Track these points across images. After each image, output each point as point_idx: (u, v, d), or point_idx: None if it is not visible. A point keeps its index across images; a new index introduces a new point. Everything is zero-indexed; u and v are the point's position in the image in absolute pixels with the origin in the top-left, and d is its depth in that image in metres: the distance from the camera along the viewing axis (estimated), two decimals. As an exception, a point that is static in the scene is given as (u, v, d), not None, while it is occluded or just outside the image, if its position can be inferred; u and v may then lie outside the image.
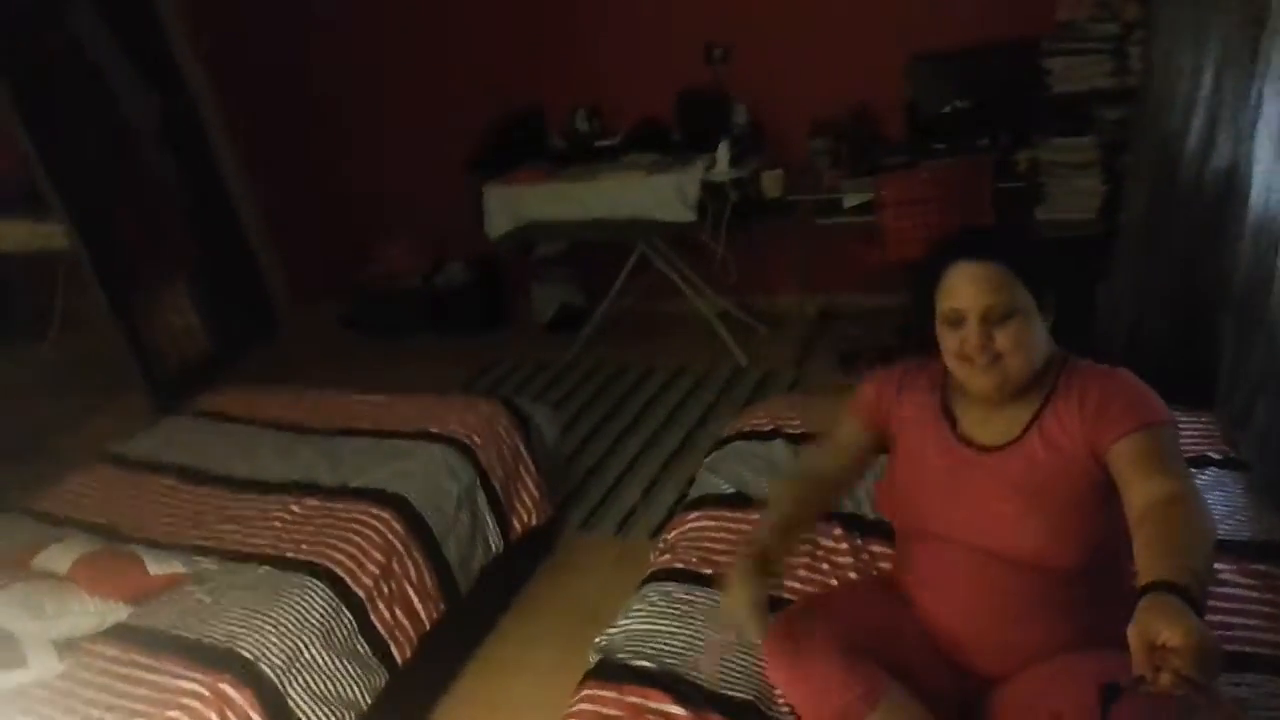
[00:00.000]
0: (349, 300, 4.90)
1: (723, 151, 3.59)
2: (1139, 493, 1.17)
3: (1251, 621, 1.46)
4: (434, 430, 2.55)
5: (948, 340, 1.35)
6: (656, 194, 3.65)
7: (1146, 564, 1.05)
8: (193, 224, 4.71)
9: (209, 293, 4.75)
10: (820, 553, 1.82)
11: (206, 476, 2.55)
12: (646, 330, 4.29)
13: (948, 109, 3.38)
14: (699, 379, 3.78)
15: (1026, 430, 1.35)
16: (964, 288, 1.31)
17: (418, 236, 4.76)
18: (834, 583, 1.75)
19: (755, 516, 1.93)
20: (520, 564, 2.69)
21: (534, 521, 2.63)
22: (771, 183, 3.67)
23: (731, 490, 2.04)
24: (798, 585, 1.75)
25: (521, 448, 2.65)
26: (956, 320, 1.32)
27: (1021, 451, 1.35)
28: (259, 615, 1.92)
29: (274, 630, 1.88)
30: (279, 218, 5.11)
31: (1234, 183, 1.97)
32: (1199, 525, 1.10)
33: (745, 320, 4.11)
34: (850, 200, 3.38)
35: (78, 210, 3.98)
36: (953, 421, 1.43)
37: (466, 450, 2.48)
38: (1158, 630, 0.91)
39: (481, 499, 2.46)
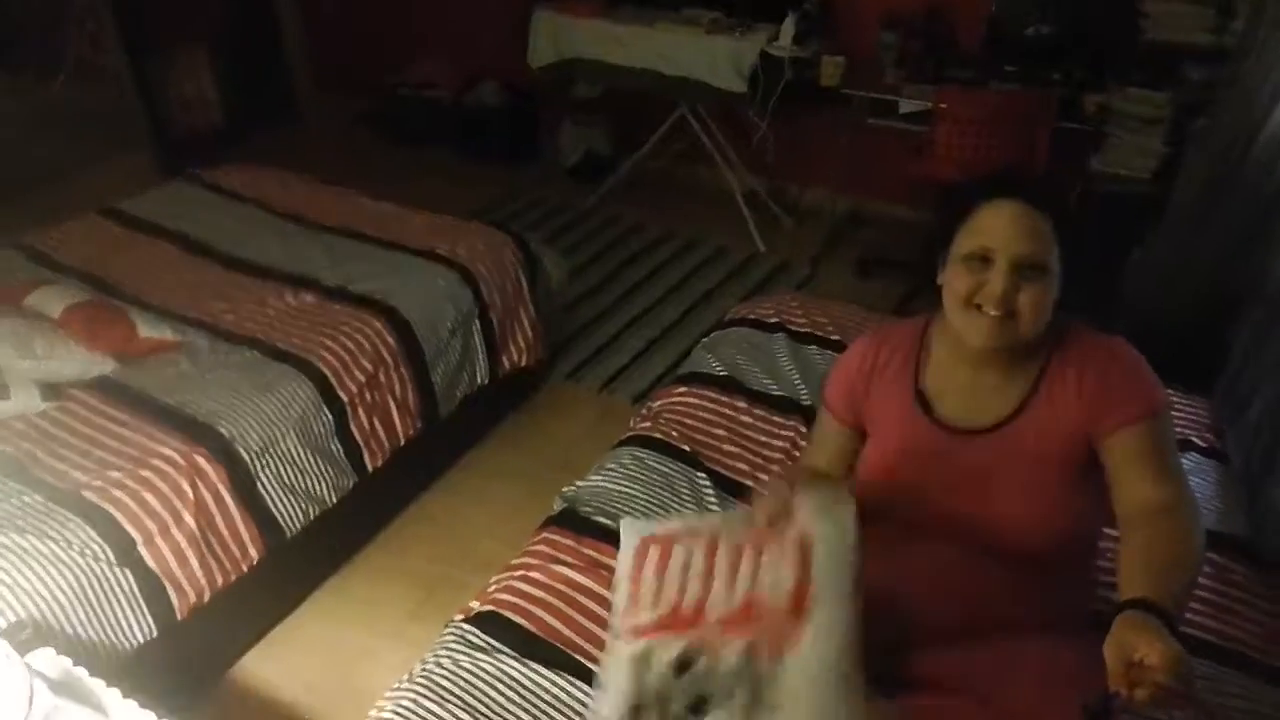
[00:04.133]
0: (375, 100, 4.74)
1: (788, 25, 3.41)
2: (1134, 493, 1.18)
3: (1199, 607, 1.50)
4: (441, 251, 2.51)
5: (960, 282, 1.23)
6: (711, 56, 3.49)
7: (1129, 577, 1.06)
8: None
9: (230, 66, 4.57)
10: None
11: (207, 249, 2.53)
12: (670, 194, 4.19)
13: (1030, 30, 3.19)
14: (713, 255, 3.73)
15: (1018, 412, 1.27)
16: (1003, 227, 1.20)
17: (458, 48, 4.56)
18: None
19: (741, 403, 1.96)
20: (503, 400, 2.72)
21: (524, 362, 2.65)
22: (831, 70, 3.51)
23: (723, 373, 2.04)
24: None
25: (525, 287, 2.62)
26: (982, 260, 1.21)
27: (1011, 434, 1.27)
28: (241, 397, 1.94)
29: (254, 415, 1.91)
30: (316, 4, 4.86)
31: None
32: (1187, 543, 1.10)
33: (771, 206, 4.02)
34: (906, 106, 3.24)
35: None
36: (926, 406, 1.33)
37: (470, 278, 2.46)
38: (1135, 647, 0.92)
39: (476, 329, 2.46)
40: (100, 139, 4.05)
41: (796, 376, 2.02)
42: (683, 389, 2.02)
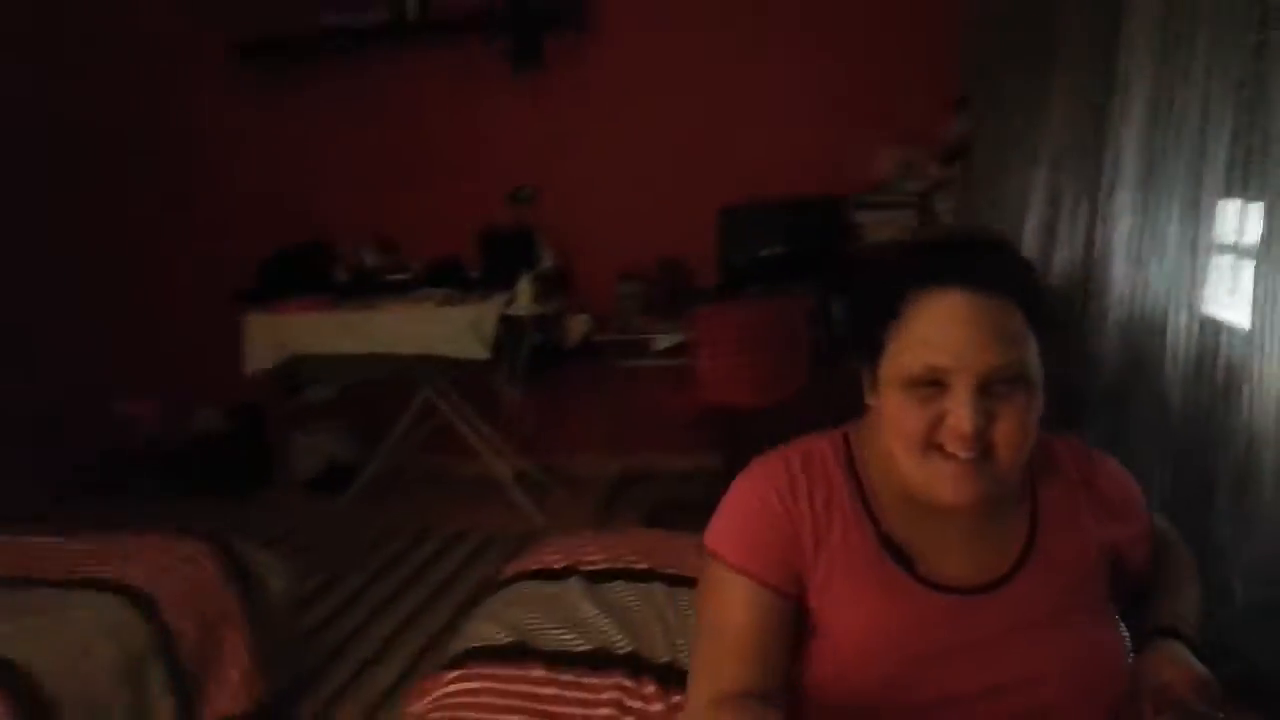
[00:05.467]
0: (85, 453, 3.97)
1: (524, 285, 3.26)
2: None
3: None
4: (104, 576, 1.84)
5: (908, 418, 0.86)
6: (448, 327, 3.22)
7: (1149, 606, 1.00)
8: None
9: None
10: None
11: None
12: (426, 489, 3.72)
13: (764, 252, 3.24)
14: (481, 544, 3.19)
15: (1024, 557, 0.94)
16: (957, 333, 0.83)
17: (166, 380, 4.01)
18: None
19: (538, 672, 1.41)
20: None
21: (239, 708, 1.91)
22: (576, 326, 3.37)
23: (509, 639, 1.49)
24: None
25: (234, 606, 1.97)
26: (932, 383, 0.85)
27: (1025, 587, 0.93)
28: None
29: None
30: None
31: (1087, 295, 1.80)
32: (1186, 563, 1.06)
33: (540, 479, 3.63)
34: (662, 342, 3.11)
35: None
36: (903, 559, 0.93)
37: (146, 603, 1.79)
38: (1160, 670, 0.89)
39: (158, 672, 1.74)
40: None
41: (606, 622, 1.51)
42: (456, 674, 1.44)
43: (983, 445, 0.84)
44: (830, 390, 2.98)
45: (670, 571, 1.66)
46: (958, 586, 0.92)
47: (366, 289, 3.53)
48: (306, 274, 3.63)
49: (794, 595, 0.93)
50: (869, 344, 0.91)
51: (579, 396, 3.65)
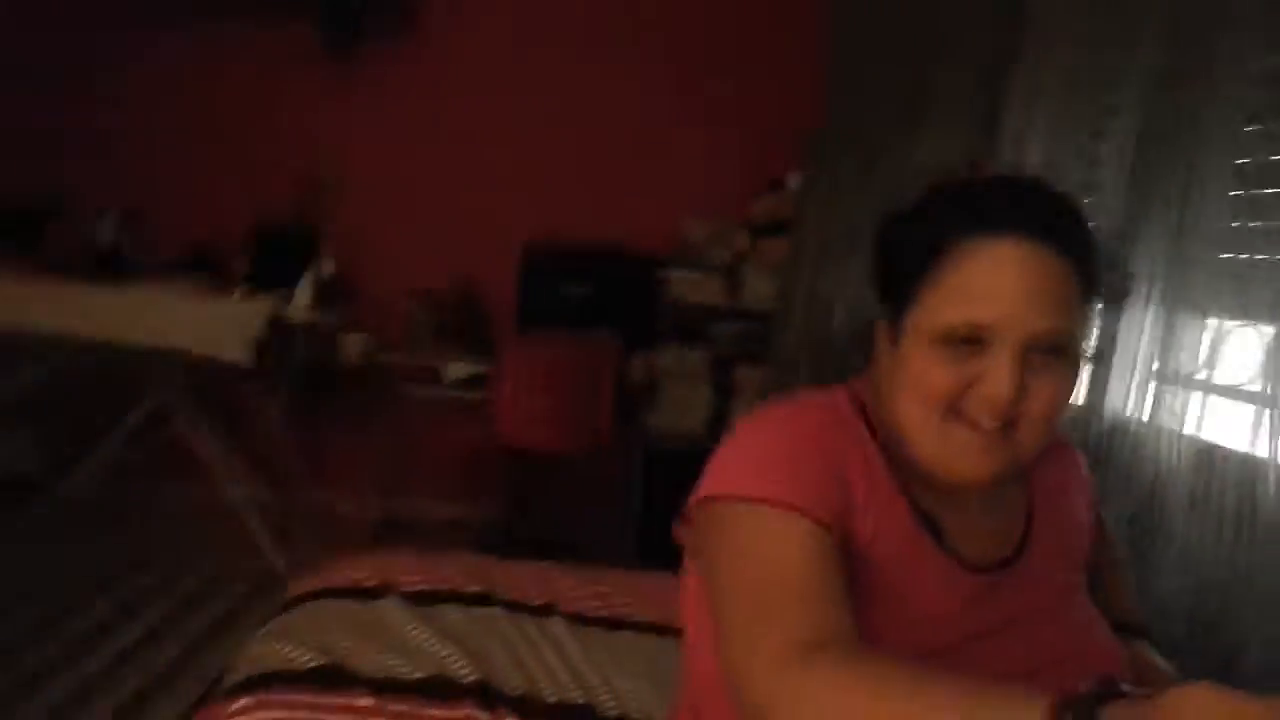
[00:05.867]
0: None
1: (305, 285, 2.88)
2: None
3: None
4: None
5: (936, 374, 0.76)
6: (206, 321, 2.74)
7: (1106, 605, 0.95)
8: None
9: None
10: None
11: None
12: (137, 516, 3.10)
13: (566, 293, 3.13)
14: (204, 588, 2.66)
15: (1029, 527, 0.89)
16: (1009, 288, 0.74)
17: None
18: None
19: (366, 700, 1.14)
20: None
21: None
22: (353, 344, 3.03)
23: (318, 663, 1.20)
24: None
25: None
26: (970, 341, 0.75)
27: (1033, 560, 0.88)
28: None
29: None
30: None
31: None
32: (1125, 554, 1.07)
33: (286, 514, 3.16)
34: (455, 372, 2.87)
35: None
36: (935, 533, 0.83)
37: None
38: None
39: None
40: None
41: (441, 647, 1.27)
42: (244, 701, 1.12)
43: (1010, 416, 0.76)
44: (629, 443, 2.95)
45: (509, 597, 1.44)
46: (982, 565, 0.84)
47: (99, 264, 2.96)
48: (21, 238, 2.99)
49: (840, 535, 0.76)
50: (898, 290, 0.80)
51: (347, 425, 3.27)
